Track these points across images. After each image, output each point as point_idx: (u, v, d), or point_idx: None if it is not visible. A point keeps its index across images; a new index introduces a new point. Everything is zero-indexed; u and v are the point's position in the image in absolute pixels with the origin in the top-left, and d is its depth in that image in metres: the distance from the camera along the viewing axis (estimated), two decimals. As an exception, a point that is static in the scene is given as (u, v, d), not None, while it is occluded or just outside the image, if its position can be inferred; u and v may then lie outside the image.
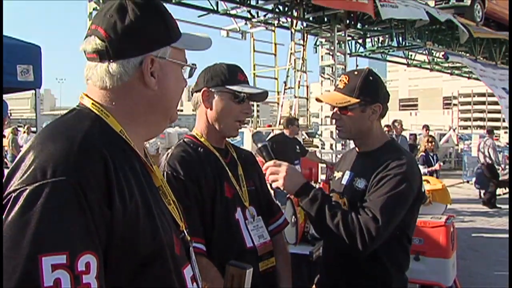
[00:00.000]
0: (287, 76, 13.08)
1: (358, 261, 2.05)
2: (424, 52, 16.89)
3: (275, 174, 2.01)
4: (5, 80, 4.55)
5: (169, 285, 1.09)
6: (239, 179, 2.06)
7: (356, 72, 2.20)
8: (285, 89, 12.93)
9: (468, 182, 16.46)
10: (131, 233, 1.00)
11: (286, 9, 10.96)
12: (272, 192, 2.42)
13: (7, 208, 0.91)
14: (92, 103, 1.13)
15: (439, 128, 35.25)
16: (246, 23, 12.43)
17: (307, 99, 13.28)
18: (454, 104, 73.87)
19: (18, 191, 0.92)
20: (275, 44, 13.63)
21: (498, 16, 15.89)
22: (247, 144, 11.09)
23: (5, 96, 5.54)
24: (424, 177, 7.91)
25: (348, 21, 11.66)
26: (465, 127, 68.65)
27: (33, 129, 13.52)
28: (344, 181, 2.21)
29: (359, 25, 12.45)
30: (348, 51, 13.25)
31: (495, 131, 18.71)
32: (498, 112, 56.90)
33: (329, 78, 11.51)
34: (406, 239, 2.14)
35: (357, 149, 2.29)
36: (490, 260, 7.17)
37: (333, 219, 1.92)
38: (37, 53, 5.11)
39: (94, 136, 1.04)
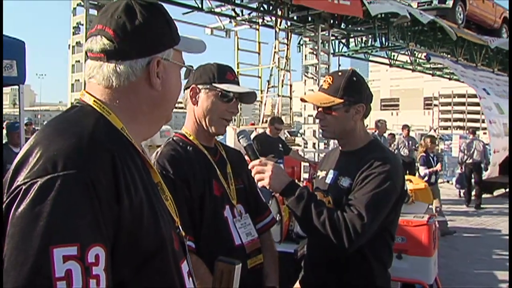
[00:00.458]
0: (271, 75, 13.14)
1: (342, 258, 2.08)
2: (406, 53, 17.04)
3: (261, 173, 2.03)
4: (-12, 75, 4.48)
5: (170, 279, 1.11)
6: (228, 177, 2.08)
7: (340, 73, 2.24)
8: (268, 87, 12.96)
9: (448, 182, 16.67)
10: (136, 227, 1.01)
11: (271, 8, 10.95)
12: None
13: (16, 200, 0.91)
14: (94, 101, 1.13)
15: (420, 128, 35.66)
16: (230, 21, 12.39)
17: (290, 98, 13.35)
18: (435, 105, 74.75)
19: (28, 184, 0.92)
20: (259, 42, 13.66)
21: (479, 18, 16.12)
22: (230, 143, 11.07)
23: (-17, 92, 5.46)
24: (406, 177, 8.01)
25: (332, 21, 11.70)
26: (445, 128, 69.43)
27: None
28: (328, 180, 2.24)
29: (343, 25, 12.51)
30: (332, 51, 13.30)
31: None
32: (478, 113, 57.76)
33: (312, 78, 11.53)
34: (389, 236, 2.18)
35: (340, 148, 2.32)
36: (470, 258, 7.28)
37: (319, 217, 1.94)
38: (21, 48, 5.04)
39: (100, 132, 1.06)
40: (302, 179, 10.09)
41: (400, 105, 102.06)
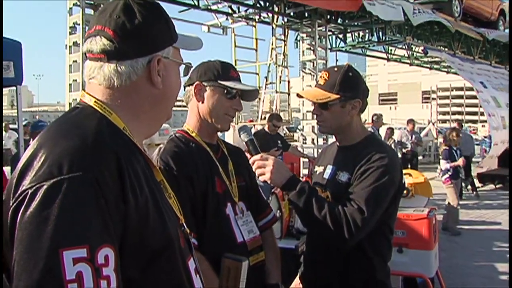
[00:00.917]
0: (268, 71, 13.08)
1: (342, 252, 2.09)
2: (404, 47, 17.04)
3: (262, 167, 2.04)
4: (-15, 77, 4.46)
5: (178, 277, 1.11)
6: (230, 174, 2.08)
7: (336, 68, 2.24)
8: (266, 84, 12.94)
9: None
10: (142, 227, 1.02)
11: (267, 4, 10.95)
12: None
13: (24, 205, 0.92)
14: (95, 101, 1.14)
15: (418, 122, 35.62)
16: (227, 19, 12.37)
17: (288, 94, 13.32)
18: (433, 98, 74.89)
19: (34, 188, 0.92)
20: (256, 39, 13.60)
21: (476, 11, 16.12)
22: (229, 139, 11.07)
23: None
24: (405, 171, 7.95)
25: (328, 16, 11.70)
26: (444, 121, 69.54)
27: (14, 126, 13.26)
28: (326, 175, 2.25)
29: (339, 20, 12.51)
30: (329, 46, 13.30)
31: (473, 125, 18.89)
32: (476, 106, 57.79)
33: (310, 73, 11.53)
34: (388, 230, 2.19)
35: (338, 143, 2.32)
36: (470, 251, 7.30)
37: (320, 211, 1.95)
38: (18, 49, 5.00)
39: (104, 132, 1.06)
40: (301, 175, 10.10)
41: (398, 99, 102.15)
